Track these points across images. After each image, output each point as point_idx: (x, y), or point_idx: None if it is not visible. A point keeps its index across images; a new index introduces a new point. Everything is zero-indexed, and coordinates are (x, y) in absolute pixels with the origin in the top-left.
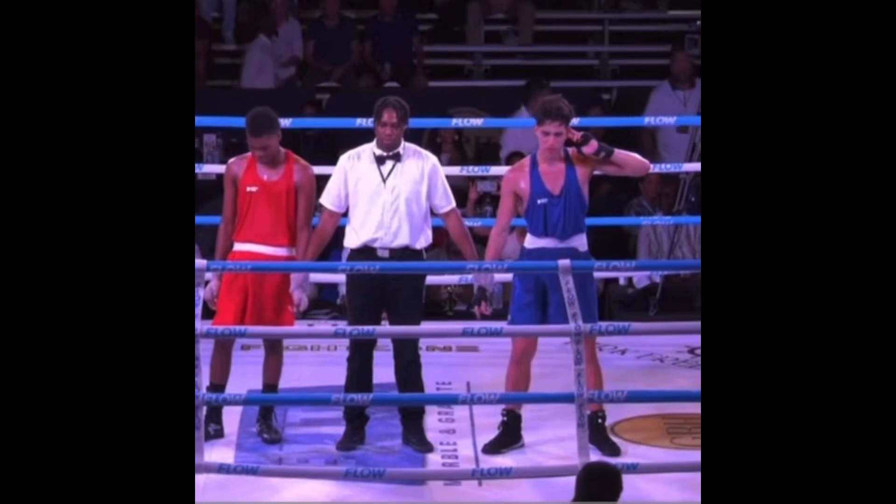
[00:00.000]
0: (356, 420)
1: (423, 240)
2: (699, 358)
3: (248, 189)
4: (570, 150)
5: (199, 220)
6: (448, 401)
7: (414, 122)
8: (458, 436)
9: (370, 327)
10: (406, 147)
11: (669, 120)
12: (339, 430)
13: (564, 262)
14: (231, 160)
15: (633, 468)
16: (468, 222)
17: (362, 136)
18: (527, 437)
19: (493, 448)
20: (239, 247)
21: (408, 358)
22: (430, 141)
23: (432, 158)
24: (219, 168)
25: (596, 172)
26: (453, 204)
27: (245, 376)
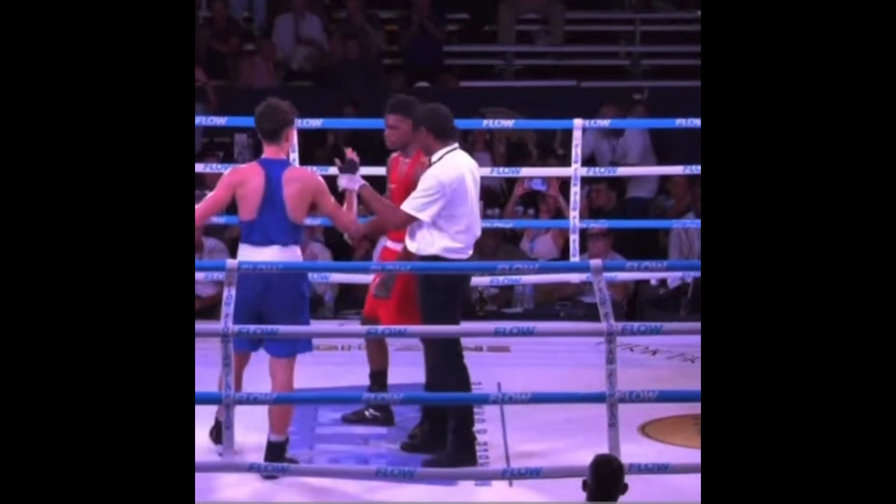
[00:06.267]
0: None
1: (424, 244)
2: None
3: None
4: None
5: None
6: (479, 400)
7: None
8: (488, 436)
9: (399, 327)
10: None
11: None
12: (369, 430)
13: (596, 263)
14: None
15: (665, 468)
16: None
17: None
18: (558, 438)
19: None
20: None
21: (429, 365)
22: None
23: (431, 164)
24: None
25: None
26: (405, 206)
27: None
